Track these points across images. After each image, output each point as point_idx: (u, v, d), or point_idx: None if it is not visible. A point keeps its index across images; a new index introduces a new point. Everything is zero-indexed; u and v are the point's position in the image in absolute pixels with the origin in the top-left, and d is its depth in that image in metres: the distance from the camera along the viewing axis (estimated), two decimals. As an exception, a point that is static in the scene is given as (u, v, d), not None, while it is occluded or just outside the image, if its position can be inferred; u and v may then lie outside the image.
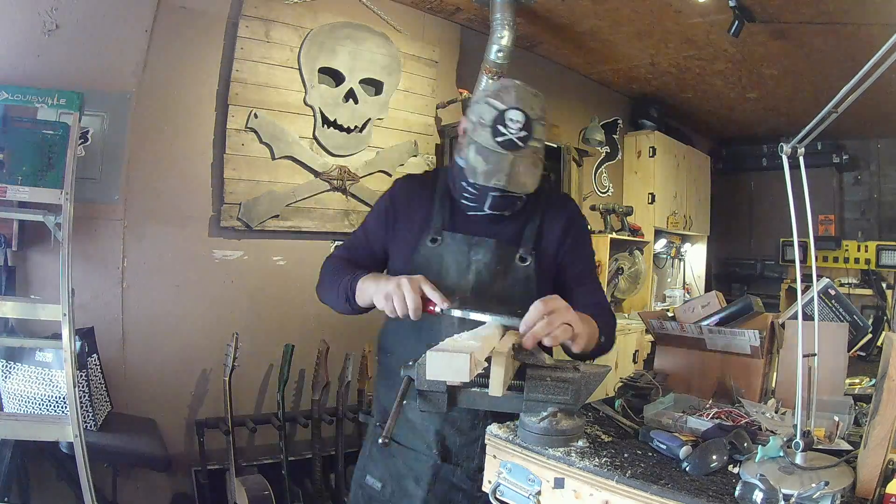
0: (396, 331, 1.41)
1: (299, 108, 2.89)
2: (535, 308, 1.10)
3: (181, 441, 2.62)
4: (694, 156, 5.38)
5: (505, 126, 1.19)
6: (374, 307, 1.27)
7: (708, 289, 5.45)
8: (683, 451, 1.04)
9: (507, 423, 1.19)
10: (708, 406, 1.28)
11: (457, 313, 1.13)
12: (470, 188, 1.28)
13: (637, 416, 1.30)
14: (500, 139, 1.19)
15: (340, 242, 3.02)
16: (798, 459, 0.95)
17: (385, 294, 1.17)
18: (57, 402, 2.01)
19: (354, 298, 1.29)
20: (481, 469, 1.25)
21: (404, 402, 1.17)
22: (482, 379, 1.02)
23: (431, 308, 1.14)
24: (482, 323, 1.16)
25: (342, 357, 2.81)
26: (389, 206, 1.43)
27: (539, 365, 1.11)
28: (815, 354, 1.02)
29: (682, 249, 5.54)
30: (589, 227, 1.53)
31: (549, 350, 1.20)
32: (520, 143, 1.20)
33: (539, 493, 1.05)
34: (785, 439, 0.99)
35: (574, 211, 1.47)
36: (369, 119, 3.08)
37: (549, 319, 1.09)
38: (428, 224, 1.36)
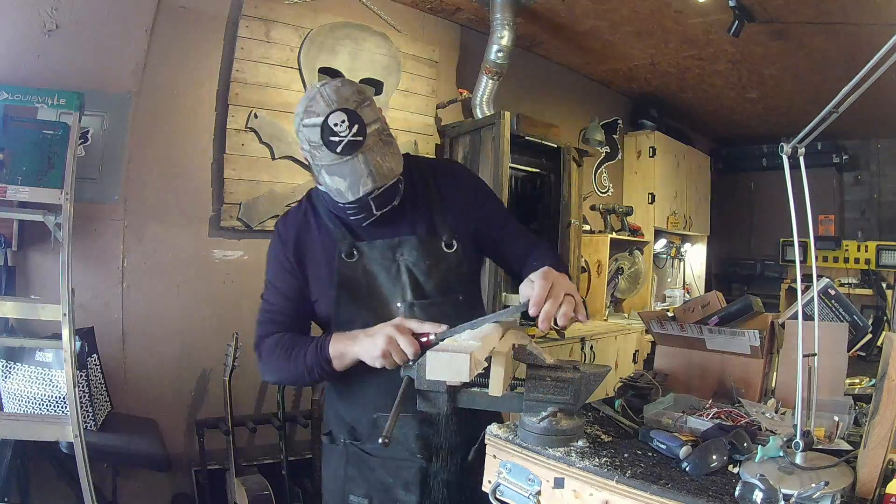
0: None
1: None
2: (539, 285, 1.06)
3: (181, 441, 2.62)
4: (694, 156, 5.39)
5: (335, 134, 1.12)
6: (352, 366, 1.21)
7: (708, 289, 5.46)
8: (683, 451, 1.04)
9: (507, 423, 1.19)
10: (708, 406, 1.28)
11: (449, 333, 1.10)
12: (349, 206, 1.21)
13: (637, 416, 1.30)
14: (338, 149, 1.12)
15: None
16: (798, 459, 0.95)
17: (380, 353, 1.11)
18: (57, 402, 2.01)
19: (331, 367, 1.21)
20: (466, 457, 1.28)
21: (377, 415, 1.18)
22: (482, 379, 1.02)
23: (428, 340, 1.11)
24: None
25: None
26: (289, 255, 1.31)
27: (539, 365, 1.12)
28: (815, 354, 1.02)
29: (682, 249, 5.55)
30: (481, 180, 1.47)
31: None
32: (358, 139, 1.13)
33: (539, 493, 1.05)
34: (785, 439, 0.99)
35: (462, 171, 1.47)
36: (369, 119, 3.08)
37: (554, 294, 1.06)
38: (334, 246, 1.29)
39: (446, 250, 1.31)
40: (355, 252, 1.28)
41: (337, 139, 1.12)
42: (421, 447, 1.30)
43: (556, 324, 1.08)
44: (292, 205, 2.78)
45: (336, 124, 1.12)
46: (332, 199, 1.25)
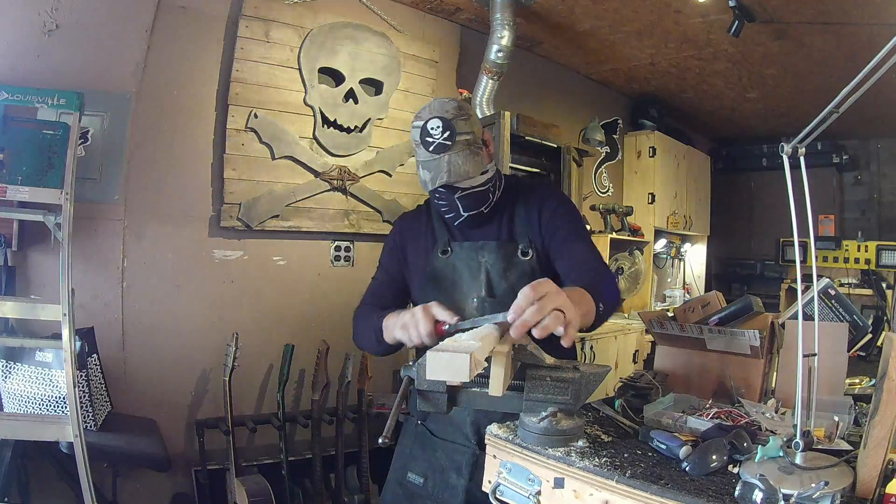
0: None
1: (299, 108, 2.89)
2: (523, 294, 1.02)
3: (181, 441, 2.62)
4: (694, 156, 5.39)
5: (430, 136, 1.35)
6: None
7: (708, 289, 5.45)
8: (683, 451, 1.04)
9: (507, 423, 1.19)
10: (708, 406, 1.28)
11: (465, 325, 1.16)
12: (439, 201, 1.44)
13: (637, 416, 1.30)
14: (430, 148, 1.36)
15: (340, 243, 3.06)
16: (798, 459, 0.95)
17: (402, 325, 1.24)
18: (57, 402, 2.01)
19: (383, 338, 1.35)
20: None
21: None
22: (482, 379, 1.02)
23: (442, 328, 1.19)
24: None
25: (342, 357, 2.81)
26: (398, 240, 1.58)
27: (539, 365, 1.11)
28: (815, 354, 1.02)
29: (682, 249, 5.55)
30: (568, 203, 1.58)
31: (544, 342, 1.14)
32: (448, 143, 1.35)
33: (539, 493, 1.05)
34: (785, 439, 0.99)
35: (546, 192, 1.57)
36: (369, 119, 3.08)
37: (540, 305, 1.01)
38: (434, 243, 1.51)
39: (521, 257, 1.46)
40: (448, 249, 1.49)
41: (431, 140, 1.35)
42: (474, 433, 1.41)
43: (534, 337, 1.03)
44: (293, 204, 2.84)
45: (433, 128, 1.35)
46: (436, 208, 1.49)
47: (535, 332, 1.01)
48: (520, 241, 1.48)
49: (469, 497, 1.37)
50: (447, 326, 1.18)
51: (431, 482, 1.45)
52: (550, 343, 1.07)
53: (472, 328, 1.12)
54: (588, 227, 4.26)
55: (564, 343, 1.06)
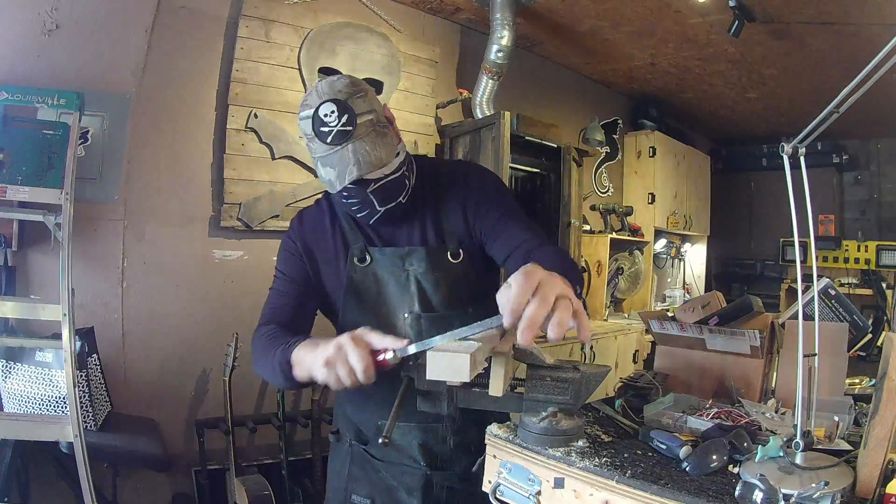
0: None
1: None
2: (518, 285, 0.81)
3: (181, 441, 2.62)
4: (694, 156, 5.39)
5: (325, 125, 1.11)
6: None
7: (708, 289, 5.46)
8: (683, 451, 1.04)
9: (507, 423, 1.19)
10: (708, 406, 1.28)
11: (413, 349, 0.95)
12: (348, 200, 1.20)
13: (637, 416, 1.30)
14: (328, 139, 1.11)
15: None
16: (798, 459, 0.95)
17: (325, 361, 0.97)
18: (57, 402, 2.01)
19: (292, 375, 1.08)
20: (471, 466, 1.24)
21: (381, 422, 1.10)
22: (482, 379, 1.02)
23: (384, 359, 0.96)
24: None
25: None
26: (298, 246, 1.30)
27: (539, 365, 1.11)
28: (815, 354, 1.02)
29: (682, 249, 5.55)
30: (492, 180, 1.35)
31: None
32: (347, 129, 1.11)
33: (539, 493, 1.05)
34: (785, 439, 0.99)
35: (471, 170, 1.37)
36: (369, 119, 3.08)
37: (542, 296, 0.80)
38: (346, 248, 1.28)
39: (452, 261, 1.27)
40: (367, 257, 1.26)
41: (326, 129, 1.11)
42: (423, 455, 1.30)
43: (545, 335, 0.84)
44: (293, 204, 2.84)
45: (326, 115, 1.11)
46: (339, 198, 1.22)
47: (552, 333, 0.81)
48: (449, 242, 1.27)
49: None
50: (390, 356, 0.96)
51: (380, 503, 1.32)
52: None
53: (435, 346, 0.91)
54: (582, 227, 4.26)
55: (583, 340, 0.88)
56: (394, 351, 0.96)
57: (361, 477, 1.34)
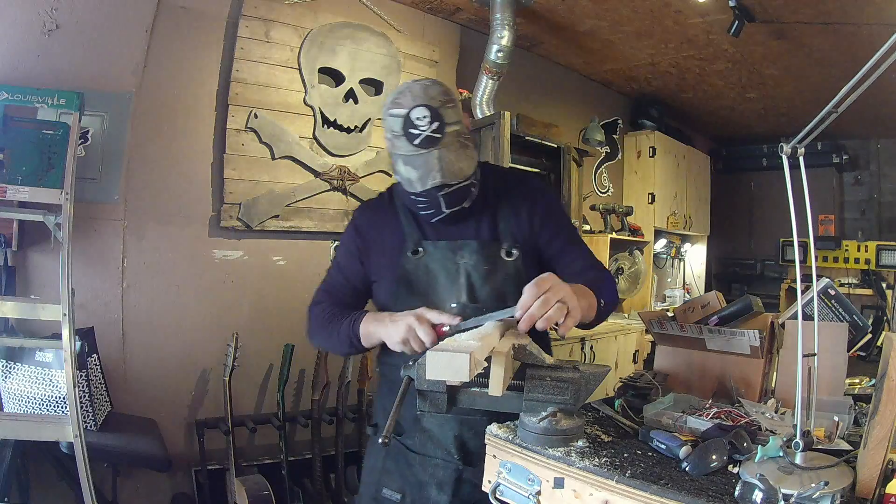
0: None
1: (299, 108, 2.89)
2: (529, 290, 1.07)
3: (181, 441, 2.62)
4: (694, 156, 5.39)
5: (415, 128, 1.18)
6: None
7: (708, 289, 5.46)
8: (683, 451, 1.04)
9: (507, 423, 1.19)
10: (708, 406, 1.28)
11: (468, 324, 1.13)
12: (419, 198, 1.28)
13: (637, 416, 1.30)
14: (416, 141, 1.19)
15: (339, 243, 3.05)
16: (798, 459, 0.95)
17: (400, 339, 1.17)
18: (57, 402, 2.01)
19: (360, 343, 1.29)
20: None
21: (420, 411, 1.16)
22: (482, 379, 1.02)
23: (442, 330, 1.15)
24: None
25: (342, 357, 2.81)
26: (357, 238, 1.42)
27: (539, 365, 1.11)
28: (815, 354, 1.02)
29: (682, 249, 5.55)
30: (559, 202, 1.52)
31: (543, 336, 1.24)
32: (437, 136, 1.19)
33: (539, 493, 1.05)
34: (785, 439, 0.99)
35: (540, 188, 1.47)
36: (369, 119, 3.08)
37: (545, 298, 1.05)
38: (402, 240, 1.36)
39: (505, 258, 1.34)
40: (420, 249, 1.34)
41: (416, 132, 1.18)
42: (457, 448, 1.33)
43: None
44: (293, 204, 2.84)
45: (418, 118, 1.18)
46: (405, 192, 1.30)
47: (539, 324, 1.05)
48: (504, 240, 1.35)
49: None
50: (447, 328, 1.13)
51: (409, 498, 1.35)
52: (536, 333, 1.11)
53: (474, 327, 1.11)
54: (582, 227, 4.26)
55: (561, 331, 1.09)
56: (450, 325, 1.13)
57: (394, 470, 1.38)
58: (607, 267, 4.19)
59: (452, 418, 1.29)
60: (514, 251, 1.34)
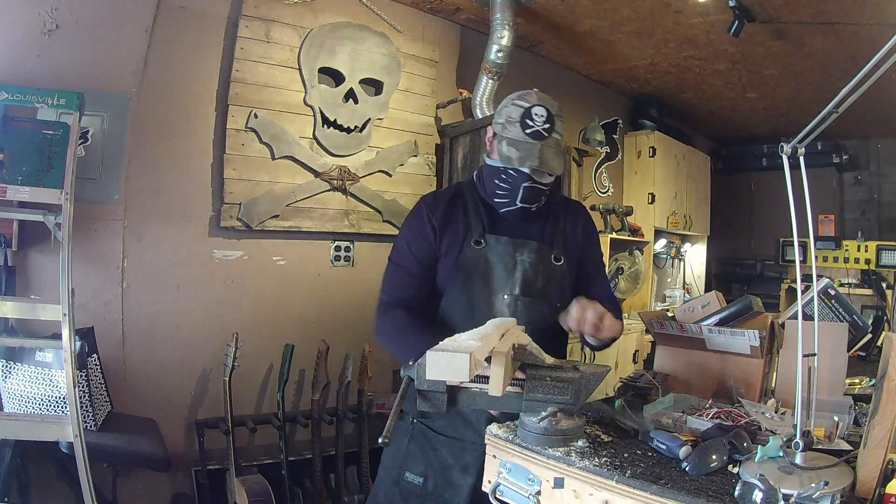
0: (445, 322, 1.47)
1: (299, 108, 2.89)
2: (574, 307, 1.33)
3: (181, 441, 2.61)
4: (694, 156, 5.38)
5: (532, 120, 1.38)
6: None
7: (708, 289, 5.44)
8: (683, 451, 1.04)
9: (507, 423, 1.19)
10: (708, 406, 1.28)
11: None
12: (503, 183, 1.43)
13: (637, 416, 1.29)
14: (528, 131, 1.37)
15: (340, 243, 3.06)
16: (798, 459, 0.95)
17: None
18: (57, 402, 2.01)
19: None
20: None
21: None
22: (482, 379, 1.02)
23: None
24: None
25: (342, 357, 2.81)
26: (430, 218, 1.50)
27: (539, 365, 1.11)
28: (815, 354, 1.02)
29: (682, 249, 5.54)
30: (597, 230, 1.69)
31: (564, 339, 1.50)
32: (545, 134, 1.38)
33: (539, 492, 1.05)
34: (785, 439, 0.99)
35: (588, 215, 1.66)
36: (369, 119, 3.08)
37: (590, 310, 1.30)
38: (468, 230, 1.48)
39: (555, 262, 1.51)
40: (483, 241, 1.47)
41: (531, 123, 1.38)
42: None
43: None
44: (293, 204, 2.84)
45: (536, 114, 1.39)
46: (492, 173, 1.46)
47: (586, 329, 1.32)
48: (555, 247, 1.51)
49: (475, 496, 1.34)
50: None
51: (432, 481, 1.42)
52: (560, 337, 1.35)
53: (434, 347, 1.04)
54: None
55: (597, 338, 1.36)
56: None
57: (418, 454, 1.46)
58: (608, 270, 4.22)
59: None
60: (563, 258, 1.51)
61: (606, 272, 1.71)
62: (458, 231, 1.49)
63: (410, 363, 1.10)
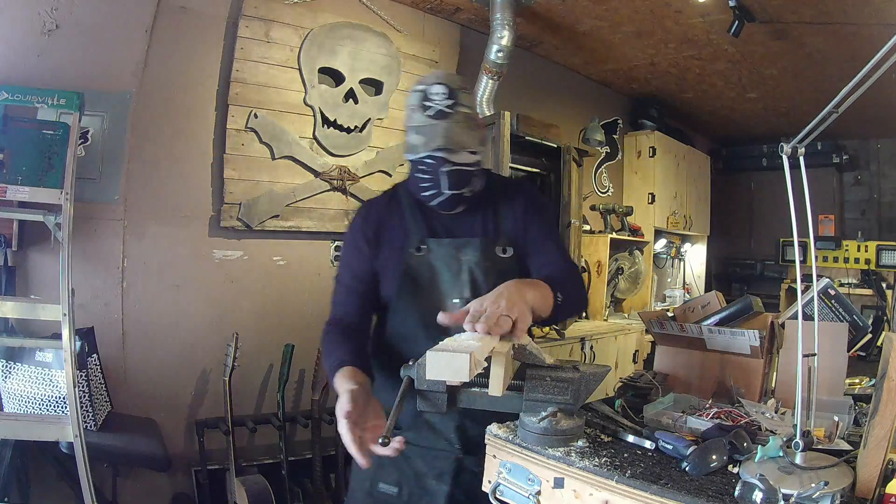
0: (399, 334, 1.41)
1: (299, 108, 2.89)
2: (474, 304, 1.04)
3: (181, 441, 2.62)
4: (694, 156, 5.39)
5: (430, 101, 1.29)
6: None
7: (708, 289, 5.45)
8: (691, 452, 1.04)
9: (507, 423, 1.19)
10: (708, 406, 1.28)
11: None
12: (423, 175, 1.33)
13: (637, 416, 1.30)
14: (429, 112, 1.29)
15: (340, 243, 3.05)
16: (798, 459, 0.95)
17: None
18: (57, 402, 2.01)
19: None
20: None
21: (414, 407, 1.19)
22: (482, 379, 1.02)
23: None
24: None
25: None
26: (365, 229, 1.43)
27: (539, 365, 1.11)
28: (815, 354, 1.02)
29: (682, 249, 5.55)
30: (545, 201, 1.56)
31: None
32: (448, 111, 1.29)
33: (539, 492, 1.05)
34: (785, 439, 0.99)
35: (528, 189, 1.55)
36: (369, 119, 3.08)
37: (487, 314, 1.00)
38: (407, 236, 1.40)
39: (501, 255, 1.40)
40: (424, 247, 1.38)
41: (430, 104, 1.29)
42: (459, 437, 1.35)
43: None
44: (293, 204, 2.84)
45: (434, 93, 1.30)
46: (411, 168, 1.37)
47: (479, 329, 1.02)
48: (500, 238, 1.41)
49: (451, 503, 1.33)
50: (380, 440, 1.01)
51: (407, 490, 1.37)
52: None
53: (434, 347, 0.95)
54: (582, 227, 4.26)
55: (514, 340, 1.06)
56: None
57: (390, 464, 1.37)
58: (604, 265, 4.23)
59: (455, 409, 1.31)
60: (509, 249, 1.40)
61: (560, 240, 1.53)
62: (397, 239, 1.41)
63: (410, 363, 1.10)
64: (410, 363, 1.09)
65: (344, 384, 1.20)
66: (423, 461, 1.37)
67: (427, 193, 1.36)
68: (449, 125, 1.29)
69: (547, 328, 3.27)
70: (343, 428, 1.06)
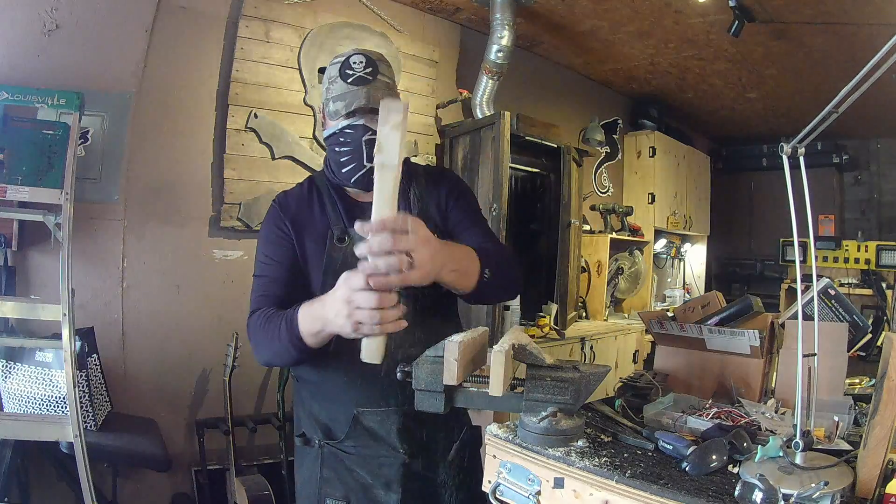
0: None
1: (299, 108, 2.89)
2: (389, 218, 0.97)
3: (181, 441, 2.62)
4: (694, 156, 5.39)
5: (350, 69, 1.27)
6: (331, 341, 1.14)
7: (708, 289, 5.46)
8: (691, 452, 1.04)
9: (507, 423, 1.19)
10: (708, 406, 1.28)
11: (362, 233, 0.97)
12: (344, 147, 1.28)
13: (637, 416, 1.30)
14: (349, 80, 1.26)
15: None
16: (798, 459, 0.95)
17: (349, 324, 1.00)
18: (57, 402, 2.01)
19: (304, 343, 1.14)
20: (447, 453, 1.31)
21: (358, 410, 1.23)
22: (482, 379, 1.02)
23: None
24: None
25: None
26: (284, 219, 1.34)
27: (539, 365, 1.11)
28: (815, 354, 1.02)
29: (682, 249, 5.55)
30: (468, 188, 1.51)
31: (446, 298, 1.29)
32: (369, 77, 1.26)
33: (539, 492, 1.05)
34: (785, 439, 0.99)
35: (452, 177, 1.51)
36: (369, 119, 3.08)
37: (396, 238, 0.95)
38: (327, 228, 1.33)
39: None
40: (346, 238, 1.31)
41: (351, 72, 1.27)
42: (402, 441, 1.29)
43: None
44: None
45: (355, 62, 1.27)
46: (330, 142, 1.32)
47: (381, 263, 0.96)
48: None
49: None
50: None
51: (356, 503, 1.30)
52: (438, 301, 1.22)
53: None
54: (582, 226, 4.26)
55: (414, 277, 0.99)
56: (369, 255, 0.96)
57: (334, 478, 1.32)
58: (604, 265, 4.22)
59: (393, 411, 1.28)
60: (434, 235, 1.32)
61: (486, 226, 1.46)
62: (318, 231, 1.33)
63: (407, 368, 1.08)
64: (406, 366, 1.08)
65: (319, 299, 1.10)
66: (366, 471, 1.29)
67: (347, 168, 1.30)
68: (369, 90, 1.25)
69: (545, 329, 3.27)
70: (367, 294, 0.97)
